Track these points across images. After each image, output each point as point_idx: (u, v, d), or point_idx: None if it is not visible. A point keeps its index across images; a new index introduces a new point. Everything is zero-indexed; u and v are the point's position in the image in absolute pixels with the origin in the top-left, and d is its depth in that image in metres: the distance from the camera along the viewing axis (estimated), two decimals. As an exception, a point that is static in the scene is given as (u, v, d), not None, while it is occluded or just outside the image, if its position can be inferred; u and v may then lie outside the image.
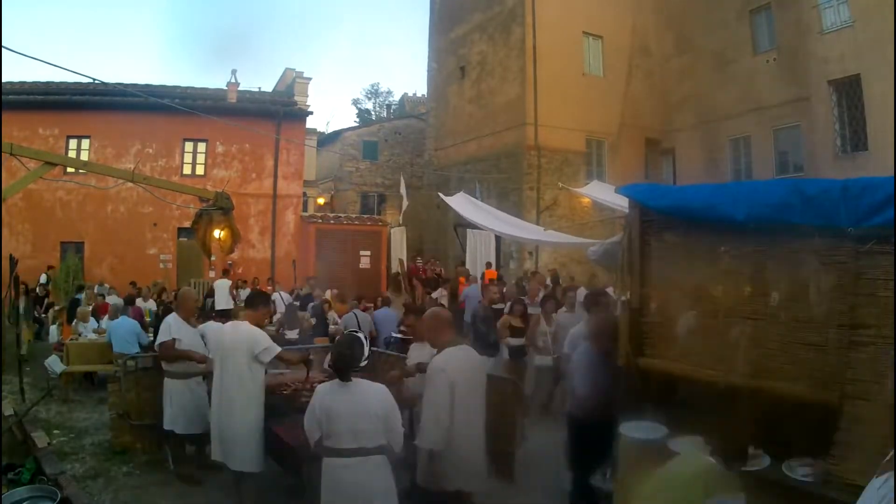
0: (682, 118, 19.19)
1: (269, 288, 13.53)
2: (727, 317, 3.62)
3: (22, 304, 9.52)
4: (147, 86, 18.90)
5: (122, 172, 6.52)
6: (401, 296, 13.72)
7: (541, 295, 9.08)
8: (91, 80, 12.14)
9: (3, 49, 5.78)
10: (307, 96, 21.28)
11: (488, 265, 15.85)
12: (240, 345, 4.37)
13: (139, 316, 10.22)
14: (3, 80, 9.41)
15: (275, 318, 10.64)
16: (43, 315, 13.49)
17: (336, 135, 28.45)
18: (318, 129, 28.67)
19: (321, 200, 25.06)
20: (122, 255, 17.20)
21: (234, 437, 4.35)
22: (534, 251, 17.78)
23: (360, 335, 3.71)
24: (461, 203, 14.99)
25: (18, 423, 6.15)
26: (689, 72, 18.78)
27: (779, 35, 16.28)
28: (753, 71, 16.79)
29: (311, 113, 20.99)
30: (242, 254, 17.64)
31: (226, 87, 20.04)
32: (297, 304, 11.13)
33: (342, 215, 21.38)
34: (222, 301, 13.15)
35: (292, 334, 9.50)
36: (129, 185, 6.95)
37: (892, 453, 1.77)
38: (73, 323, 9.87)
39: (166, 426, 5.21)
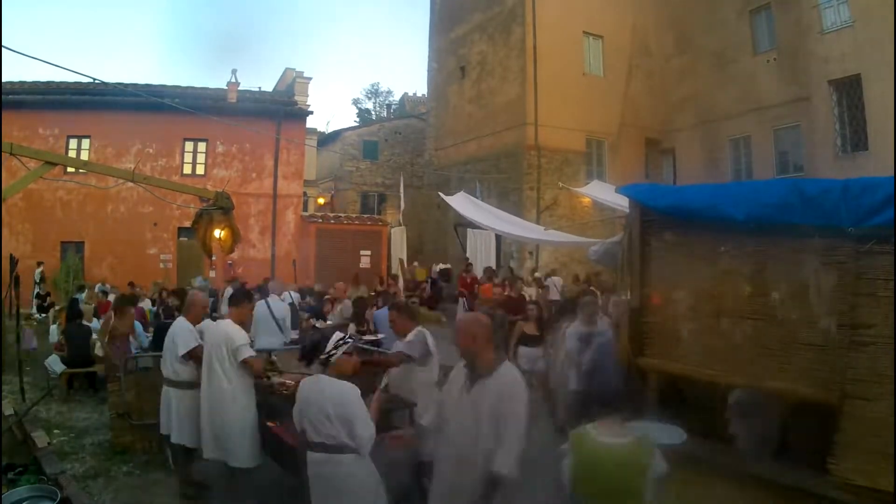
0: (682, 118, 19.19)
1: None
2: (727, 317, 3.62)
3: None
4: (147, 86, 18.89)
5: (122, 172, 6.52)
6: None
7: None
8: (91, 80, 12.12)
9: (3, 49, 5.78)
10: (307, 96, 21.30)
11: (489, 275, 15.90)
12: (219, 341, 4.43)
13: (140, 316, 10.21)
14: (3, 80, 9.42)
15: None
16: (43, 315, 13.49)
17: (336, 135, 28.46)
18: (319, 129, 28.71)
19: (321, 200, 25.07)
20: (122, 255, 17.20)
21: (227, 433, 4.34)
22: (534, 251, 17.79)
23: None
24: (461, 203, 15.00)
25: (18, 423, 6.15)
26: (689, 72, 18.79)
27: (779, 35, 16.28)
28: (753, 71, 16.79)
29: (311, 113, 21.02)
30: (242, 254, 17.63)
31: (226, 87, 20.04)
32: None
33: (342, 215, 21.40)
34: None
35: (293, 334, 9.49)
36: (129, 185, 6.96)
37: None
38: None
39: (175, 440, 4.99)
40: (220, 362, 4.39)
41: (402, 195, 16.33)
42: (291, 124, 19.68)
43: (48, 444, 5.72)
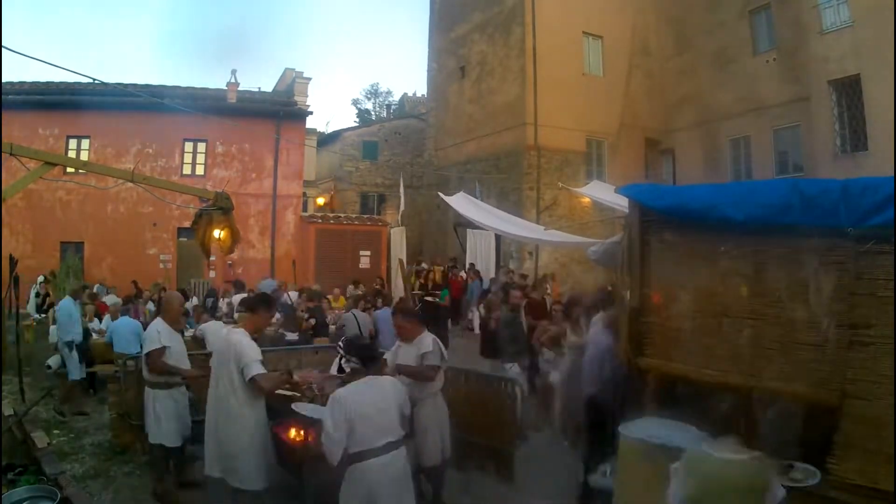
0: (681, 118, 19.19)
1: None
2: (727, 317, 3.62)
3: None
4: (147, 86, 18.89)
5: (122, 172, 6.51)
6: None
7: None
8: (91, 80, 12.12)
9: (3, 49, 5.78)
10: (307, 96, 21.25)
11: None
12: (228, 355, 4.07)
13: (138, 317, 10.23)
14: (3, 80, 9.41)
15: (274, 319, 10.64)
16: (43, 315, 13.48)
17: (336, 135, 28.45)
18: (318, 129, 28.70)
19: (321, 200, 25.06)
20: (122, 255, 17.18)
21: (232, 451, 4.03)
22: (534, 251, 17.78)
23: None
24: (461, 203, 14.99)
25: (18, 423, 6.15)
26: (689, 72, 18.78)
27: (779, 35, 16.27)
28: (753, 71, 16.79)
29: (311, 113, 21.00)
30: (242, 254, 17.63)
31: (226, 87, 20.03)
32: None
33: (342, 215, 21.37)
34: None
35: (292, 336, 9.50)
36: (129, 185, 6.95)
37: None
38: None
39: (154, 440, 4.88)
40: (228, 374, 4.05)
41: (401, 196, 16.30)
42: (291, 124, 19.67)
43: (48, 444, 5.72)
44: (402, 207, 16.47)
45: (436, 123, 23.28)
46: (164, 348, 4.85)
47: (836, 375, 3.06)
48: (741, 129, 17.38)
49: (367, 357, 3.41)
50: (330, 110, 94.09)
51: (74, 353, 7.79)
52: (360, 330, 8.42)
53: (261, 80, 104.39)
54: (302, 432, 4.38)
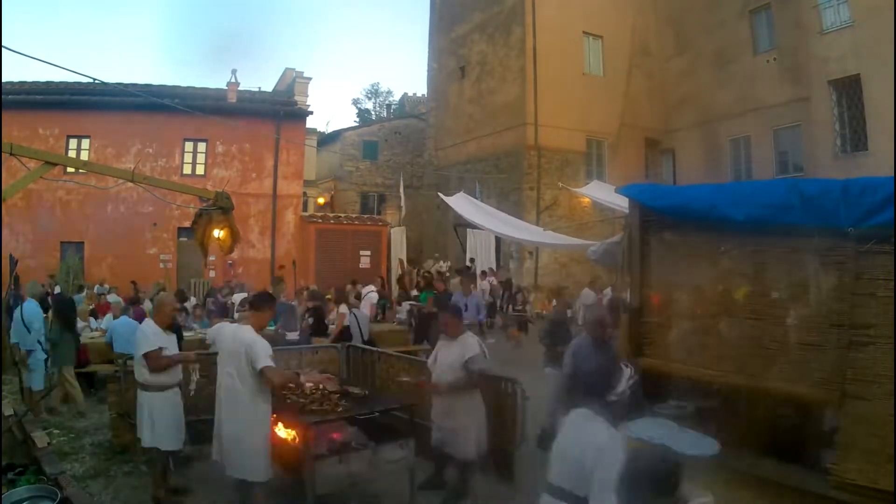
0: (682, 118, 19.19)
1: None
2: (727, 317, 3.62)
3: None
4: (147, 86, 18.89)
5: (122, 172, 6.50)
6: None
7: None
8: (91, 80, 12.12)
9: (3, 49, 5.78)
10: (307, 96, 21.26)
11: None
12: (240, 350, 4.19)
13: (141, 316, 10.21)
14: (3, 80, 9.42)
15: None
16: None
17: (336, 135, 28.45)
18: (318, 129, 28.69)
19: (321, 200, 25.05)
20: (122, 255, 17.18)
21: (237, 442, 4.13)
22: (534, 251, 17.79)
23: None
24: (461, 203, 14.99)
25: (18, 423, 6.15)
26: (689, 72, 18.78)
27: (779, 35, 16.28)
28: (753, 71, 16.80)
29: (311, 113, 21.00)
30: (242, 254, 17.64)
31: (226, 87, 20.03)
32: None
33: (342, 215, 21.38)
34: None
35: (292, 335, 9.49)
36: (129, 185, 6.93)
37: None
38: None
39: (147, 443, 4.79)
40: (238, 371, 4.17)
41: (402, 196, 16.29)
42: (291, 124, 19.67)
43: (48, 444, 5.72)
44: (403, 210, 16.44)
45: (436, 123, 23.29)
46: (160, 349, 4.79)
47: (836, 375, 3.06)
48: (741, 129, 17.39)
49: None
50: (330, 110, 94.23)
51: (41, 358, 7.34)
52: (360, 330, 8.41)
53: (261, 80, 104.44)
54: (301, 433, 4.38)
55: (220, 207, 6.26)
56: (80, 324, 9.20)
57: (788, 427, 3.51)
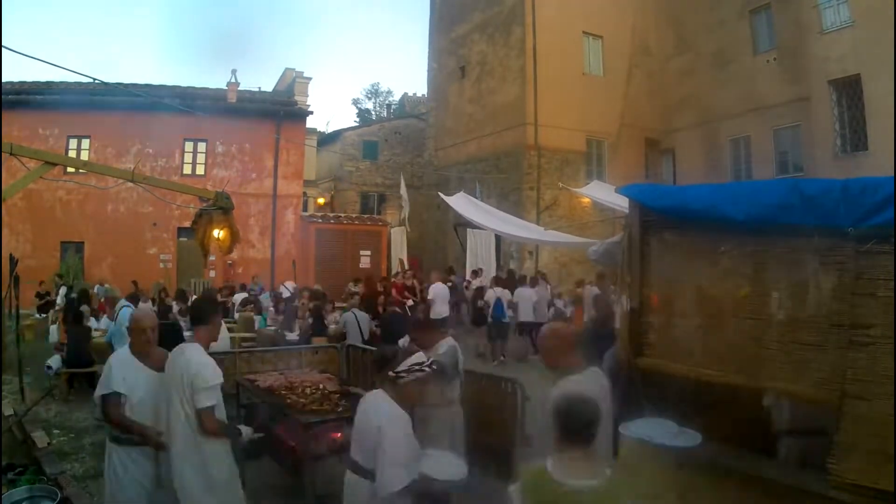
0: (682, 118, 19.20)
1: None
2: (727, 317, 3.62)
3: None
4: (147, 86, 18.91)
5: (122, 172, 6.51)
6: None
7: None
8: (91, 80, 12.13)
9: (3, 49, 5.78)
10: (307, 96, 21.28)
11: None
12: (183, 375, 3.28)
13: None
14: (3, 80, 9.41)
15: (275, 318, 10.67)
16: (43, 315, 13.49)
17: (336, 135, 28.46)
18: (318, 129, 28.70)
19: (321, 200, 25.07)
20: (122, 255, 17.19)
21: (195, 492, 3.27)
22: (534, 251, 17.79)
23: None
24: (461, 203, 15.00)
25: (18, 423, 6.15)
26: (689, 72, 18.79)
27: (779, 35, 16.28)
28: (753, 71, 16.80)
29: (311, 113, 21.01)
30: (242, 254, 17.65)
31: (226, 87, 20.05)
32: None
33: (342, 215, 21.39)
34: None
35: (291, 335, 9.51)
36: (129, 185, 6.94)
37: None
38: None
39: None
40: (181, 400, 3.28)
41: (405, 197, 16.27)
42: (291, 124, 19.68)
43: (48, 444, 5.72)
44: (406, 210, 16.39)
45: (436, 123, 23.29)
46: (119, 396, 3.43)
47: (836, 375, 3.06)
48: (741, 129, 17.39)
49: (380, 365, 3.18)
50: (330, 110, 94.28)
51: None
52: (360, 330, 8.42)
53: (261, 80, 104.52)
54: (301, 433, 4.38)
55: (220, 207, 6.26)
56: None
57: (789, 426, 3.52)
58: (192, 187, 7.01)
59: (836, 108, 14.45)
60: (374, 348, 7.03)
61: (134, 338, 3.61)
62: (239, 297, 12.40)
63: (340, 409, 4.61)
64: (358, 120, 42.91)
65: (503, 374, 5.40)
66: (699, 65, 18.49)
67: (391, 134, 27.60)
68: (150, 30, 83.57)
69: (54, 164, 5.61)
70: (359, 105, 49.06)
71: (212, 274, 17.44)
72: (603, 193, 14.09)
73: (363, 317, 8.97)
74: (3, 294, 7.59)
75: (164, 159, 18.28)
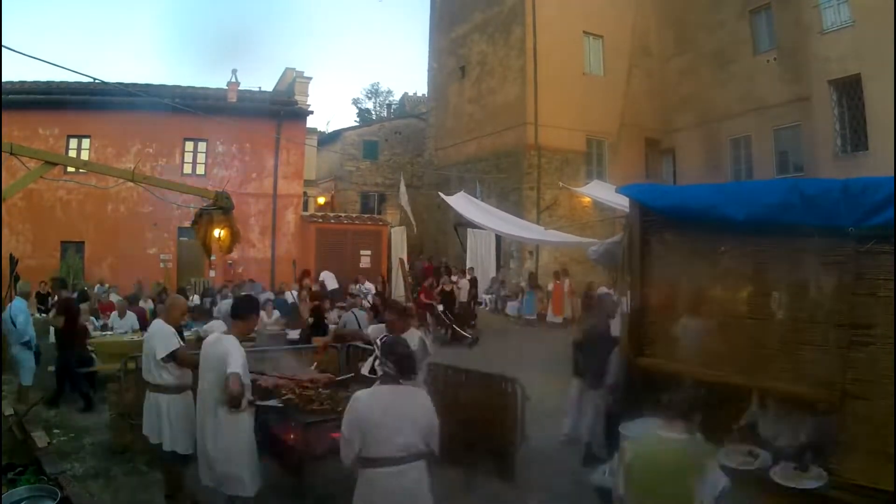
0: (682, 118, 19.19)
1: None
2: (727, 316, 3.62)
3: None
4: (147, 86, 18.88)
5: (122, 172, 6.52)
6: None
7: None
8: (91, 80, 12.12)
9: (3, 49, 5.78)
10: (307, 96, 21.26)
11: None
12: (220, 360, 4.01)
13: (141, 316, 10.26)
14: (3, 80, 9.41)
15: (276, 318, 10.66)
16: (43, 315, 13.49)
17: (336, 134, 28.45)
18: (319, 129, 28.65)
19: (321, 200, 25.06)
20: (122, 255, 17.18)
21: (229, 458, 3.98)
22: (534, 251, 17.79)
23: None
24: (461, 203, 15.00)
25: (18, 423, 6.14)
26: (689, 72, 18.78)
27: (779, 35, 16.27)
28: (753, 71, 16.79)
29: (312, 112, 20.99)
30: (242, 253, 17.61)
31: (226, 87, 20.03)
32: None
33: (342, 215, 21.38)
34: None
35: (293, 334, 9.50)
36: (130, 184, 6.96)
37: None
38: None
39: (168, 447, 4.67)
40: (219, 382, 4.00)
41: (404, 197, 16.25)
42: (291, 124, 19.66)
43: (48, 444, 5.71)
44: (408, 210, 16.37)
45: (436, 123, 23.29)
46: (183, 348, 4.76)
47: (837, 375, 3.06)
48: (741, 129, 17.38)
49: (404, 366, 3.26)
50: (330, 110, 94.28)
51: (30, 355, 7.67)
52: (359, 329, 8.40)
53: (261, 79, 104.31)
54: (301, 433, 4.38)
55: (220, 207, 6.27)
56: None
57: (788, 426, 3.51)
58: (192, 187, 7.02)
59: (836, 108, 14.44)
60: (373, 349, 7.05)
61: (171, 314, 5.08)
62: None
63: (340, 408, 4.61)
64: (358, 120, 42.87)
65: (503, 374, 5.39)
66: (699, 65, 18.48)
67: (391, 134, 27.60)
68: (150, 30, 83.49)
69: (54, 164, 5.62)
70: (359, 105, 49.05)
71: (212, 274, 17.44)
72: (603, 193, 14.10)
73: (363, 316, 8.97)
74: (4, 294, 7.61)
75: (164, 159, 18.25)
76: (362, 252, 19.38)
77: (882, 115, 12.66)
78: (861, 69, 13.56)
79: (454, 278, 15.20)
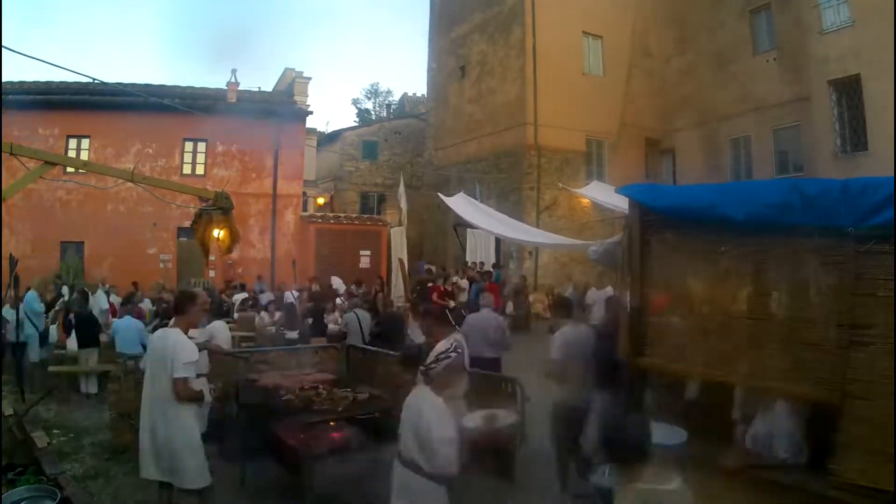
0: (682, 118, 19.20)
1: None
2: (727, 317, 3.62)
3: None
4: (147, 86, 18.88)
5: (122, 172, 6.50)
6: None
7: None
8: (91, 80, 12.13)
9: (3, 49, 5.78)
10: (307, 96, 21.24)
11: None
12: (167, 354, 4.04)
13: (140, 316, 10.24)
14: (3, 80, 9.41)
15: (276, 317, 10.66)
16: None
17: (336, 134, 28.44)
18: (318, 129, 28.67)
19: (321, 200, 25.05)
20: (122, 255, 17.16)
21: (177, 451, 4.04)
22: (534, 251, 17.79)
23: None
24: (460, 204, 14.97)
25: (18, 423, 6.14)
26: (689, 72, 18.79)
27: (779, 35, 16.28)
28: (753, 71, 16.80)
29: (311, 113, 20.99)
30: (242, 254, 17.62)
31: (226, 87, 20.03)
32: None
33: (342, 215, 21.37)
34: None
35: (292, 335, 9.50)
36: (129, 184, 6.94)
37: None
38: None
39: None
40: (167, 376, 4.02)
41: (403, 197, 16.22)
42: (291, 124, 19.65)
43: (48, 444, 5.71)
44: (405, 210, 16.36)
45: (436, 123, 23.29)
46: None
47: (836, 375, 3.06)
48: (741, 129, 17.39)
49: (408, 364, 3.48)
50: (330, 110, 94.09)
51: (37, 337, 9.12)
52: (360, 330, 8.40)
53: (261, 79, 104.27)
54: (301, 433, 4.38)
55: (220, 207, 6.26)
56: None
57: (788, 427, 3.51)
58: (192, 187, 7.01)
59: (836, 108, 14.44)
60: (374, 348, 7.04)
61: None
62: (239, 296, 12.39)
63: (340, 409, 4.61)
64: (358, 120, 42.88)
65: (503, 374, 5.39)
66: (699, 65, 18.49)
67: (391, 134, 27.59)
68: (150, 30, 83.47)
69: (54, 164, 5.62)
70: (358, 105, 49.05)
71: (212, 274, 17.43)
72: (603, 193, 14.08)
73: (364, 317, 8.95)
74: (4, 294, 7.61)
75: (164, 159, 18.26)
76: (362, 252, 19.38)
77: (882, 115, 12.67)
78: (861, 69, 13.57)
79: (455, 279, 15.21)
